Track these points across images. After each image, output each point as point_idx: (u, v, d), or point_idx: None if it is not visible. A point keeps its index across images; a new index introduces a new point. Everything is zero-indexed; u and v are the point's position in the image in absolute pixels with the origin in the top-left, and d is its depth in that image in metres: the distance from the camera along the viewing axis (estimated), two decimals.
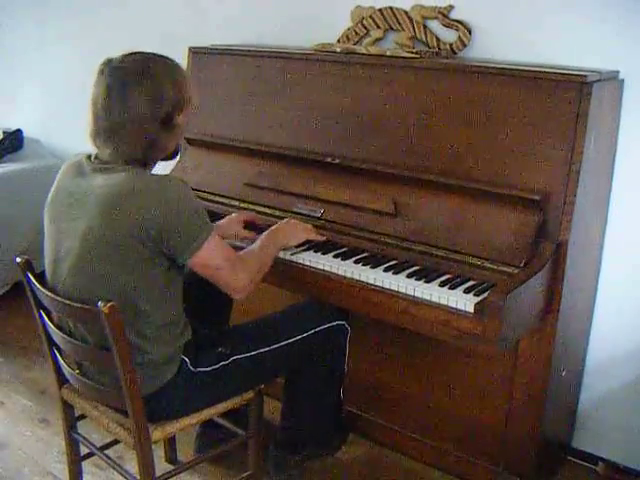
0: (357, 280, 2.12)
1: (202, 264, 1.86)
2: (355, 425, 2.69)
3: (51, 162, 3.87)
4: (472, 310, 1.92)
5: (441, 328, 1.98)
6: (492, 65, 2.25)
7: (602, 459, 2.57)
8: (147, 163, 1.90)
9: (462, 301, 1.94)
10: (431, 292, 2.00)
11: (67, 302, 1.80)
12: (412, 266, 2.16)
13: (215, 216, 2.55)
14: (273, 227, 2.21)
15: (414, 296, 2.02)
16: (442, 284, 2.04)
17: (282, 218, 2.44)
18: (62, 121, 4.07)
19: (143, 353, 1.86)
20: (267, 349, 2.07)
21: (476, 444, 2.44)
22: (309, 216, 2.41)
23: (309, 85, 2.56)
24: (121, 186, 1.78)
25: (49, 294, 1.84)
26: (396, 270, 2.13)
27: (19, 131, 3.99)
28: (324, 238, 2.30)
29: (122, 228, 1.76)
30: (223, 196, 2.64)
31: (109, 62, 1.84)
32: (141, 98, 1.80)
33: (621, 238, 2.38)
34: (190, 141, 2.79)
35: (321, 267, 2.19)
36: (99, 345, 1.84)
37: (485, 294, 1.96)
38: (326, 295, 2.19)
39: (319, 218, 2.39)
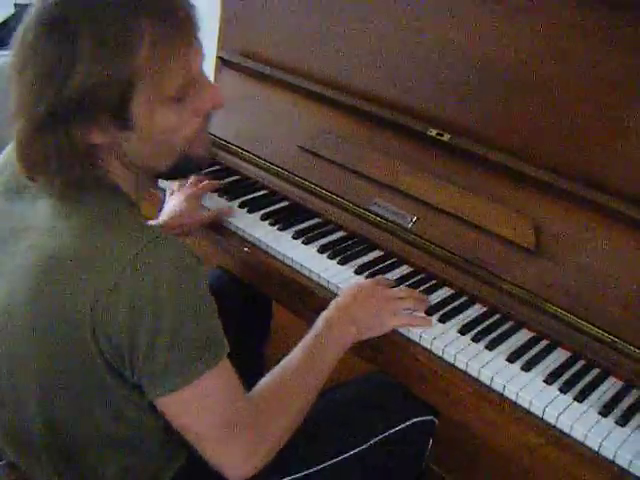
0: (476, 381, 1.23)
1: (175, 415, 1.00)
2: None
3: None
4: None
5: None
6: None
7: None
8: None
9: None
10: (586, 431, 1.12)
11: None
12: (555, 347, 1.29)
13: (250, 187, 1.70)
14: (327, 312, 1.25)
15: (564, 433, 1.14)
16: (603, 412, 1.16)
17: (347, 211, 1.57)
18: None
19: None
20: (318, 467, 1.21)
21: None
22: (393, 223, 1.52)
23: (419, 6, 1.59)
24: (82, 235, 0.94)
25: None
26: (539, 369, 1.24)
27: None
28: (430, 326, 1.32)
29: (69, 312, 0.92)
30: (264, 160, 1.73)
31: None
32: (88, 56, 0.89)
33: None
34: (226, 63, 1.87)
35: (411, 336, 1.30)
36: None
37: None
38: (411, 380, 1.32)
39: (408, 230, 1.50)
